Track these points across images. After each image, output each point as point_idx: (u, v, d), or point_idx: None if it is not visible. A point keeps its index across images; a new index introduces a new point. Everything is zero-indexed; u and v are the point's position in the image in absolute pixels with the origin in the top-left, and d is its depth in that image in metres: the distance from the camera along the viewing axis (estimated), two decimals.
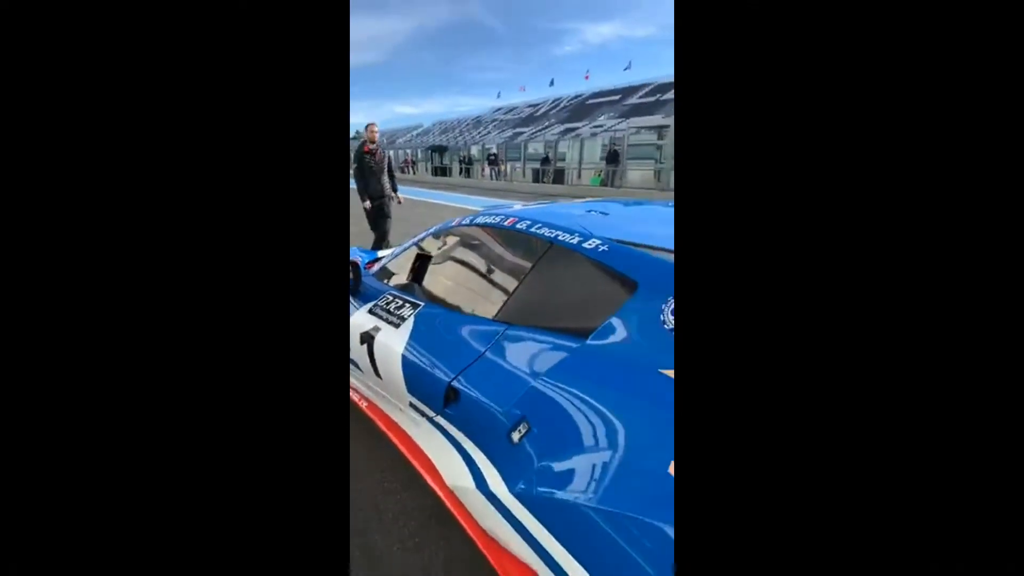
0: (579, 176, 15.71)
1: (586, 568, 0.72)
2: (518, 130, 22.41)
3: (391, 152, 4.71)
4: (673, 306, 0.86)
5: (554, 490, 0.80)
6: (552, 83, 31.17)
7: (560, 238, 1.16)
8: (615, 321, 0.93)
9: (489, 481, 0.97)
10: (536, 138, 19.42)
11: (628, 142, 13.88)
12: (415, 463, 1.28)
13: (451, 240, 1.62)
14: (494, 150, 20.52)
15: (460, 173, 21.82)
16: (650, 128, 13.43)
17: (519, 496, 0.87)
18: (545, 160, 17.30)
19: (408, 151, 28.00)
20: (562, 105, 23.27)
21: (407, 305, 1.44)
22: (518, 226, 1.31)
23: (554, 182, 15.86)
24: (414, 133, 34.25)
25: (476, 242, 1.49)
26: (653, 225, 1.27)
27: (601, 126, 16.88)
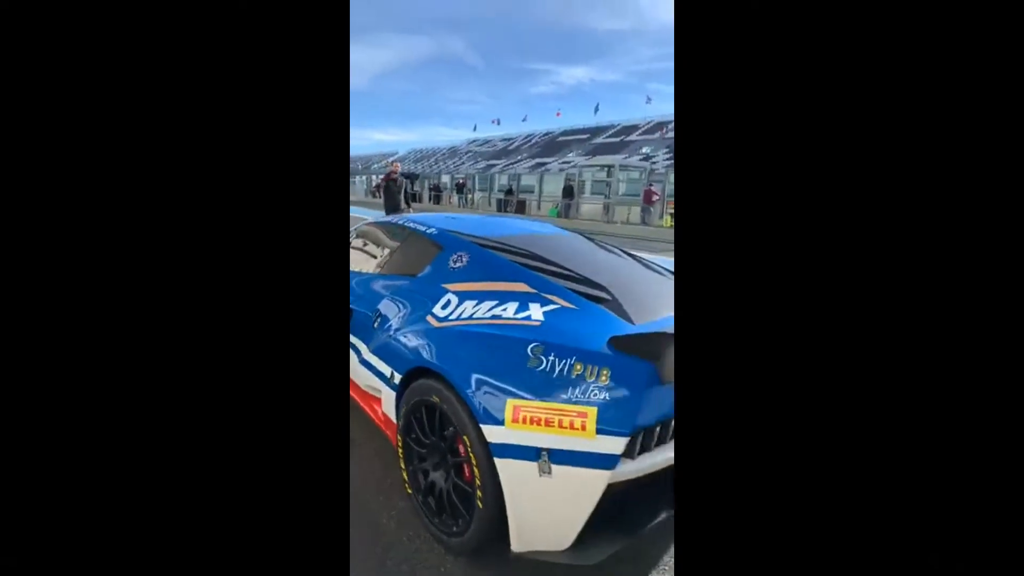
0: (539, 207, 16.95)
1: (391, 366, 1.56)
2: (491, 162, 23.69)
3: (403, 180, 7.17)
4: (457, 256, 1.75)
5: (385, 338, 1.66)
6: (525, 119, 33.12)
7: (417, 228, 2.06)
8: (429, 266, 1.81)
9: (363, 352, 1.81)
10: (508, 170, 20.71)
11: (581, 177, 15.27)
12: None
13: (363, 232, 2.50)
14: (462, 179, 21.70)
15: (429, 200, 22.84)
16: (600, 166, 14.86)
17: (372, 351, 1.72)
18: (508, 191, 18.47)
19: (380, 177, 28.77)
20: (534, 141, 24.69)
21: None
22: (398, 222, 2.21)
23: (516, 212, 17.00)
24: (389, 160, 35.33)
25: (376, 233, 2.39)
26: (472, 225, 2.17)
27: (569, 162, 18.27)
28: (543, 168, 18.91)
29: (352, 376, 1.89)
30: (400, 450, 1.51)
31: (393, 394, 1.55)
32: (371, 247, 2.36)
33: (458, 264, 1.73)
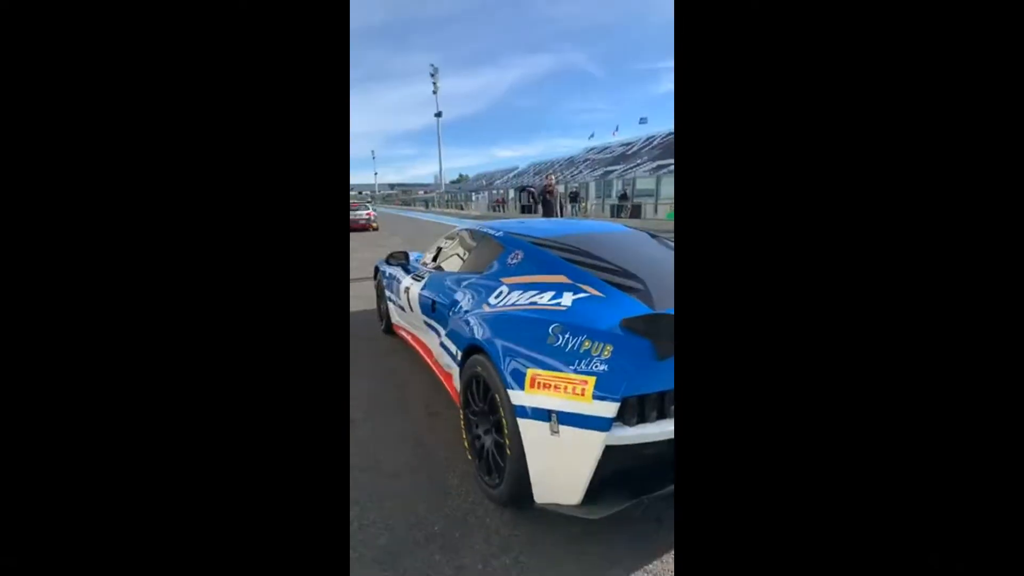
0: (655, 211, 16.30)
1: (456, 345, 1.87)
2: (609, 168, 23.45)
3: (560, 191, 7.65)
4: (513, 253, 1.99)
5: (454, 323, 1.97)
6: (642, 121, 31.70)
7: (489, 232, 2.36)
8: (494, 263, 2.09)
9: (441, 336, 2.16)
10: (626, 175, 20.35)
11: None
12: (425, 356, 2.52)
13: (452, 238, 2.90)
14: (575, 187, 21.87)
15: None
16: None
17: (447, 335, 2.05)
18: (623, 196, 18.09)
19: (501, 191, 30.45)
20: (655, 143, 23.76)
21: (426, 271, 2.72)
22: (477, 228, 2.54)
23: (631, 216, 16.59)
24: (510, 175, 37.16)
25: (461, 238, 2.76)
26: (535, 228, 2.38)
27: None
28: (663, 170, 18.15)
29: (436, 356, 2.25)
30: (463, 421, 1.79)
31: (457, 369, 1.84)
32: (459, 250, 2.74)
33: (514, 261, 1.97)
